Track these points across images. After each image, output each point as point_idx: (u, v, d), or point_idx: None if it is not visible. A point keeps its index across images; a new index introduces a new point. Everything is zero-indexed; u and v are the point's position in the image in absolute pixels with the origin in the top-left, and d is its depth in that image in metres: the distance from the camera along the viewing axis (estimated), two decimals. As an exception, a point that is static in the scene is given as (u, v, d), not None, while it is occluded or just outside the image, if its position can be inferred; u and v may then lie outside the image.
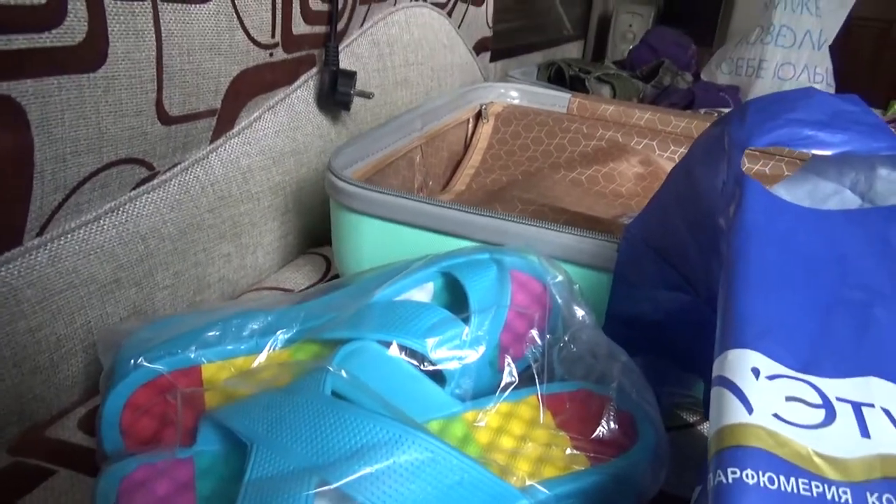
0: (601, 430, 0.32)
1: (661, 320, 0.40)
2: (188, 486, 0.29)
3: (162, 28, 0.42)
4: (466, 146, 0.78)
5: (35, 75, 0.34)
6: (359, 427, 0.27)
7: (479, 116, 0.79)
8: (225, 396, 0.31)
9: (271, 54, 0.54)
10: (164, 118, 0.44)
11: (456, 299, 0.38)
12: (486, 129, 0.78)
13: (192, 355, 0.32)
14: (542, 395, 0.34)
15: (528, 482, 0.29)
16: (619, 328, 0.42)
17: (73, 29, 0.36)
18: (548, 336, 0.37)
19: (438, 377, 0.34)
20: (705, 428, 0.42)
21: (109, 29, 0.38)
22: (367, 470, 0.26)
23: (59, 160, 0.37)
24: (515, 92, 0.83)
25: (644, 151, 0.73)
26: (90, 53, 0.37)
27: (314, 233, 0.64)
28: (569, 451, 0.31)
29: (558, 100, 0.81)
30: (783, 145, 0.32)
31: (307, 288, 0.55)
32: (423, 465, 0.26)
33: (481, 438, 0.32)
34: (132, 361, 0.31)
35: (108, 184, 0.41)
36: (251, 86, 0.53)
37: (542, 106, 0.82)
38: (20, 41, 0.33)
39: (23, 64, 0.33)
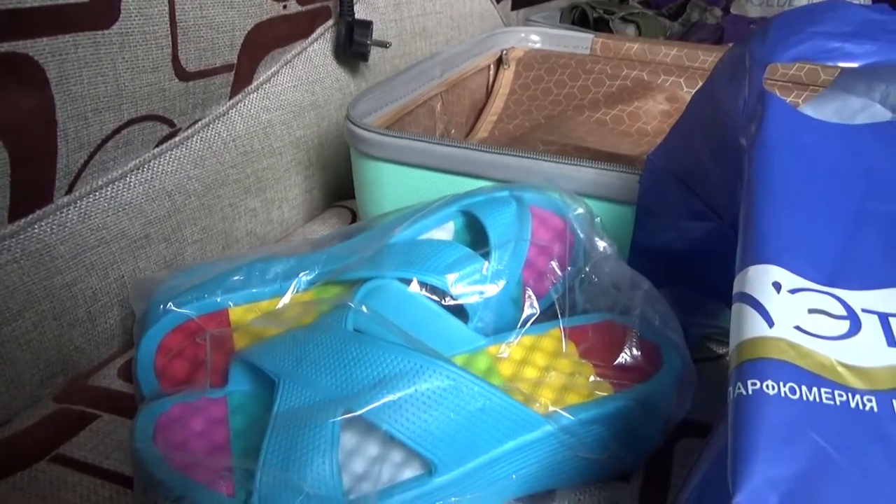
0: (624, 357, 0.32)
1: (687, 249, 0.40)
2: (222, 421, 0.30)
3: (172, -18, 0.42)
4: (488, 93, 0.77)
5: (50, 33, 0.34)
6: (380, 358, 0.27)
7: (499, 62, 0.78)
8: (253, 337, 0.32)
9: (285, 7, 0.54)
10: (182, 74, 0.44)
11: (476, 238, 0.38)
12: (507, 74, 0.77)
13: (219, 299, 0.33)
14: (564, 327, 0.34)
15: (551, 409, 0.29)
16: (644, 261, 0.41)
17: (85, -15, 0.36)
18: (569, 269, 0.37)
19: (461, 313, 0.34)
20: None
21: (120, -16, 0.38)
22: (389, 398, 0.26)
23: (81, 118, 0.38)
24: (536, 36, 0.81)
25: (671, 89, 0.71)
26: (103, 10, 0.37)
27: (338, 187, 0.65)
28: (592, 378, 0.32)
29: (581, 41, 0.79)
30: (808, 60, 0.31)
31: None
32: (445, 393, 0.27)
33: (504, 370, 0.32)
34: (162, 307, 0.32)
35: (131, 141, 0.42)
36: (267, 39, 0.53)
37: (565, 49, 0.80)
38: (33, -1, 0.33)
39: (37, 21, 0.34)
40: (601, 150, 0.55)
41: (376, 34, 0.68)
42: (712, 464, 0.23)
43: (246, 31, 0.50)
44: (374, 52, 0.67)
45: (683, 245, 0.39)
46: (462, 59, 0.70)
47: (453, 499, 0.27)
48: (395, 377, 0.27)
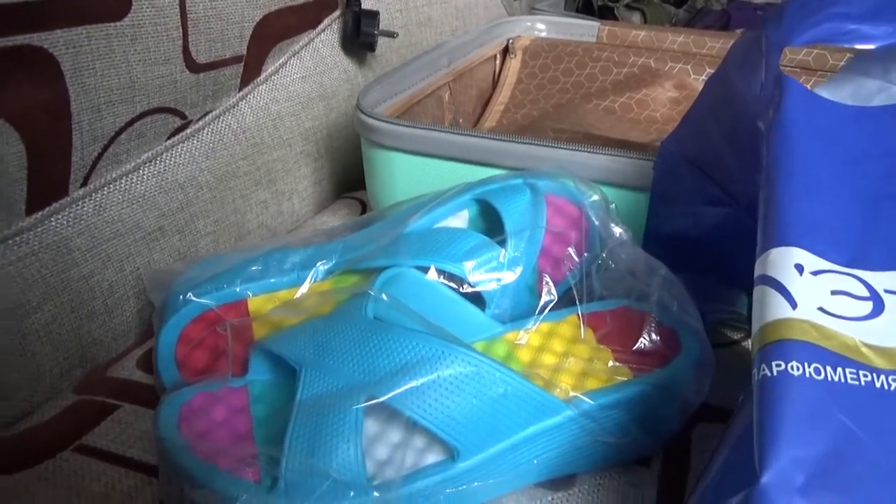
0: (643, 342, 0.32)
1: (702, 235, 0.40)
2: (244, 410, 0.30)
3: (182, -27, 0.42)
4: (495, 83, 0.77)
5: (63, 25, 0.34)
6: (402, 345, 0.27)
7: (506, 52, 0.78)
8: (272, 326, 0.32)
9: (293, -3, 0.54)
10: (193, 66, 0.44)
11: (491, 225, 0.38)
12: (514, 64, 0.77)
13: (238, 289, 0.33)
14: (582, 313, 0.34)
15: (571, 394, 0.29)
16: (659, 247, 0.41)
17: (97, -23, 0.36)
18: (585, 255, 0.37)
19: (478, 301, 0.34)
20: (749, 344, 0.41)
21: (132, -25, 0.38)
22: (411, 384, 0.26)
23: (95, 110, 0.38)
24: (542, 24, 0.80)
25: (678, 76, 0.71)
26: (114, 2, 0.37)
27: (348, 178, 0.65)
28: (611, 363, 0.32)
29: (587, 29, 0.79)
30: (824, 42, 0.31)
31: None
32: (467, 379, 0.27)
33: (523, 357, 0.33)
34: (181, 297, 0.32)
35: (143, 133, 0.42)
36: (275, 30, 0.53)
37: (571, 37, 0.79)
38: (46, -9, 0.33)
39: (50, 14, 0.34)
40: (611, 137, 0.55)
41: (382, 24, 0.68)
42: (733, 448, 0.23)
43: (255, 22, 0.50)
44: (381, 43, 0.67)
45: (698, 231, 0.39)
46: (469, 48, 0.69)
47: (476, 483, 0.27)
48: (416, 363, 0.27)
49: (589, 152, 0.40)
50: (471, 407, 0.27)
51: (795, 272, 0.24)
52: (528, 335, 0.33)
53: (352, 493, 0.25)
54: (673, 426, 0.32)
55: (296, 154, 0.57)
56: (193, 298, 0.32)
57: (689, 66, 0.72)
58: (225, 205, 0.50)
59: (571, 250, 0.38)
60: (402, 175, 0.48)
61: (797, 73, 0.67)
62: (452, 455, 0.27)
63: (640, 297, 0.34)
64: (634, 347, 0.32)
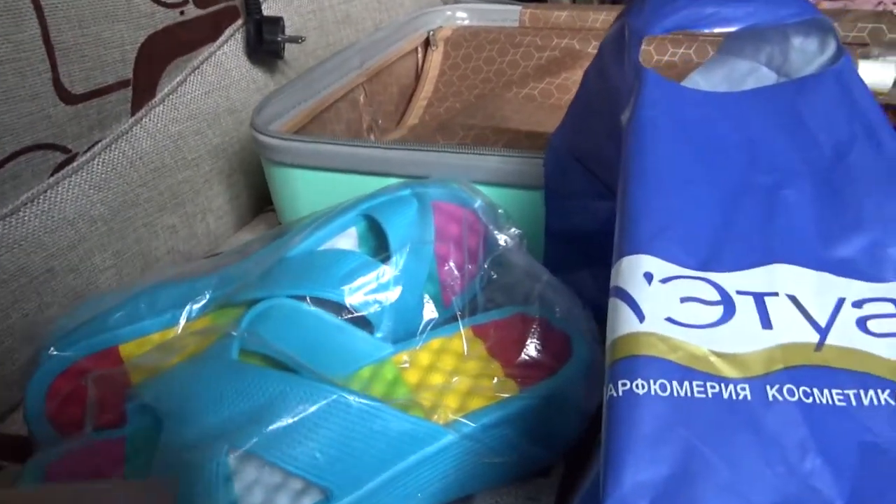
0: (529, 353, 0.31)
1: (599, 230, 0.39)
2: (118, 462, 0.29)
3: (42, 3, 0.40)
4: (417, 77, 0.75)
5: None
6: (258, 387, 0.26)
7: (427, 44, 0.76)
8: (147, 373, 0.31)
9: (182, 12, 0.52)
10: (67, 98, 0.42)
11: (382, 241, 0.37)
12: (435, 56, 0.75)
13: (106, 336, 0.32)
14: (471, 326, 0.33)
15: (451, 417, 0.28)
16: (560, 244, 0.40)
17: (-65, 18, 0.34)
18: (485, 263, 0.36)
19: (367, 323, 0.33)
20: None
21: (-23, 12, 0.36)
22: (270, 428, 0.25)
23: (-45, 158, 0.36)
24: (463, 13, 0.79)
25: (600, 55, 0.70)
26: (-39, 41, 0.35)
27: (268, 190, 0.63)
28: (497, 380, 0.31)
29: (509, 14, 0.78)
30: (685, 28, 0.30)
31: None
32: (329, 416, 0.26)
33: (410, 378, 0.32)
34: (46, 352, 0.31)
35: (18, 174, 0.40)
36: (166, 49, 0.51)
37: (494, 23, 0.78)
38: None
39: None
40: (523, 129, 0.54)
41: (293, 28, 0.66)
42: (596, 473, 0.22)
43: (138, 44, 0.48)
44: (294, 48, 0.65)
45: (595, 225, 0.38)
46: (384, 45, 0.68)
47: None
48: (273, 405, 0.26)
49: (479, 154, 0.39)
50: (338, 444, 0.26)
51: (644, 281, 0.23)
52: (416, 355, 0.32)
53: None
54: (569, 435, 0.31)
55: (205, 173, 0.55)
56: (55, 353, 0.31)
57: (611, 45, 0.71)
58: (125, 236, 0.48)
59: (468, 257, 0.37)
60: (305, 191, 0.46)
61: (679, 41, 0.66)
62: (327, 496, 0.26)
63: (526, 301, 0.33)
64: (519, 359, 0.31)
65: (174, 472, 0.25)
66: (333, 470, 0.26)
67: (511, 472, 0.31)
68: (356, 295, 0.32)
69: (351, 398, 0.26)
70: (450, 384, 0.31)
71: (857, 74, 0.28)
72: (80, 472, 0.28)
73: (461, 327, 0.34)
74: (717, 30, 0.29)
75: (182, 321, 0.32)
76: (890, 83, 0.43)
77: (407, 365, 0.32)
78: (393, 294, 0.33)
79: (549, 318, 0.33)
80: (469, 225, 0.37)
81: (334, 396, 0.26)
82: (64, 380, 0.31)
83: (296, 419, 0.26)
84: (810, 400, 0.21)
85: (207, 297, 0.32)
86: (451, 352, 0.33)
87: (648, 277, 0.23)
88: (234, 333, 0.28)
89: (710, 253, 0.24)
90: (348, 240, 0.37)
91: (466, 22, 0.78)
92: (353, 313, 0.32)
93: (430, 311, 0.33)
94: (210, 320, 0.33)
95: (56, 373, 0.31)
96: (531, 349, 0.31)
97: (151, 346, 0.32)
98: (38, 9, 0.39)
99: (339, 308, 0.32)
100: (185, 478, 0.25)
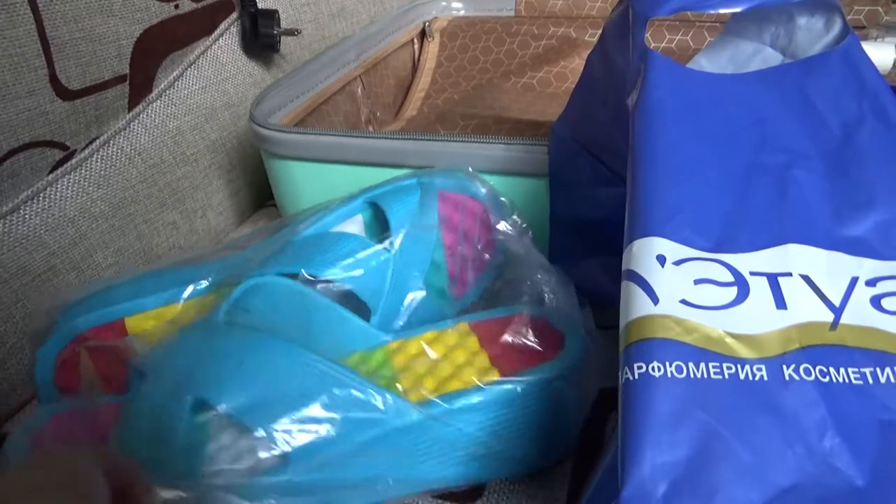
0: (514, 345, 0.31)
1: (605, 217, 0.38)
2: (107, 424, 0.29)
3: (37, -2, 0.39)
4: (414, 69, 0.75)
5: None
6: (234, 346, 0.26)
7: (423, 35, 0.76)
8: (150, 342, 0.31)
9: (177, 6, 0.51)
10: (64, 94, 0.42)
11: (386, 228, 0.37)
12: (432, 47, 0.75)
13: (112, 310, 0.32)
14: (468, 322, 0.33)
15: (425, 396, 0.28)
16: (565, 232, 0.40)
17: (-71, 14, 0.33)
18: (488, 257, 0.36)
19: (362, 308, 0.33)
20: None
21: (-29, 8, 0.35)
22: (238, 384, 0.25)
23: (-47, 156, 0.35)
24: (459, 3, 0.78)
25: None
26: (-43, 38, 0.35)
27: (267, 185, 0.62)
28: (481, 367, 0.30)
29: (505, 2, 0.77)
30: (688, 9, 0.29)
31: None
32: (296, 376, 0.26)
33: (398, 362, 0.31)
34: (55, 322, 0.31)
35: (17, 172, 0.40)
36: (161, 44, 0.50)
37: (489, 13, 0.77)
38: None
39: None
40: (523, 118, 0.54)
41: (288, 21, 0.65)
42: (612, 456, 0.22)
43: (134, 39, 0.47)
44: (290, 41, 0.65)
45: (600, 213, 0.38)
46: (380, 37, 0.67)
47: (325, 492, 0.26)
48: (245, 364, 0.26)
49: (482, 143, 0.39)
50: (301, 407, 0.26)
51: (657, 264, 0.23)
52: (408, 343, 0.32)
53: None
54: (561, 436, 0.31)
55: (203, 168, 0.55)
56: (65, 323, 0.31)
57: (608, 32, 0.70)
58: (126, 233, 0.48)
59: (478, 248, 0.36)
60: (305, 183, 0.46)
61: (676, 27, 0.66)
62: (285, 459, 0.26)
63: (532, 299, 0.33)
64: (508, 350, 0.31)
65: (144, 419, 0.26)
66: (293, 434, 0.26)
67: (498, 468, 0.30)
68: (350, 273, 0.32)
69: (323, 365, 0.26)
70: (433, 370, 0.30)
71: (865, 53, 0.28)
72: (69, 435, 0.28)
73: (458, 322, 0.33)
74: (722, 10, 0.29)
75: (184, 297, 0.32)
76: (890, 64, 0.43)
77: (397, 351, 0.31)
78: (388, 276, 0.32)
79: (547, 317, 0.32)
80: (477, 216, 0.37)
81: (303, 358, 0.26)
82: (72, 349, 0.31)
83: (264, 379, 0.26)
84: (827, 379, 0.21)
85: (210, 279, 0.33)
86: (443, 342, 0.33)
87: (661, 260, 0.23)
88: (223, 301, 0.28)
89: (723, 234, 0.24)
90: (354, 226, 0.37)
91: (462, 12, 0.78)
92: (349, 296, 0.32)
93: (428, 300, 0.33)
94: (211, 300, 0.33)
95: (65, 342, 0.31)
96: (521, 341, 0.31)
97: (156, 320, 0.32)
98: (33, 4, 0.39)
99: (340, 294, 0.32)
100: (152, 424, 0.25)
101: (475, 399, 0.28)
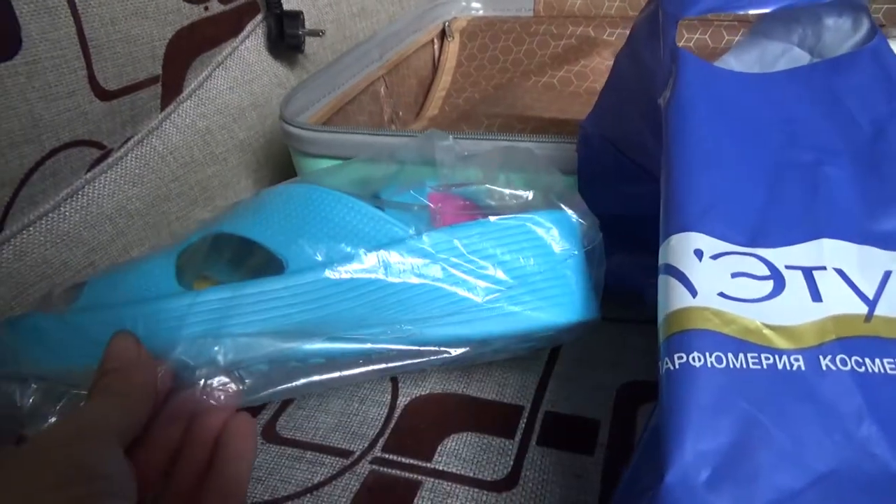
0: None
1: (634, 213, 0.39)
2: None
3: (76, 1, 0.40)
4: (435, 69, 0.76)
5: (-52, 73, 0.33)
6: None
7: (443, 35, 0.76)
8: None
9: (206, 8, 0.52)
10: (102, 94, 0.43)
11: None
12: (452, 47, 0.76)
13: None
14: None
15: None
16: (593, 229, 0.41)
17: (-22, 18, 0.35)
18: None
19: None
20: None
21: (17, 11, 0.36)
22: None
23: (-1, 156, 0.37)
24: (478, 3, 0.79)
25: (617, 42, 0.70)
26: (1, 40, 0.36)
27: (292, 184, 0.64)
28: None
29: (524, 2, 0.78)
30: (718, 10, 0.30)
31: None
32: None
33: None
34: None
35: (58, 171, 0.41)
36: (192, 45, 0.51)
37: (508, 13, 0.78)
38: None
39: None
40: (546, 116, 0.55)
41: (311, 22, 0.66)
42: (647, 444, 0.23)
43: (167, 40, 0.48)
44: (313, 41, 0.66)
45: (631, 210, 0.39)
46: (401, 37, 0.68)
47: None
48: None
49: (511, 140, 0.40)
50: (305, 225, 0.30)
51: (695, 258, 0.24)
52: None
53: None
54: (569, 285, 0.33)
55: (232, 167, 0.56)
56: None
57: (627, 32, 0.71)
58: (160, 230, 0.49)
59: None
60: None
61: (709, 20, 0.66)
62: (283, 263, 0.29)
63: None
64: None
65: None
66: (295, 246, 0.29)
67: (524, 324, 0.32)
68: None
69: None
70: None
71: (893, 52, 0.29)
72: None
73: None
74: (751, 11, 0.30)
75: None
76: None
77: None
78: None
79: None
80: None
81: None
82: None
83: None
84: (863, 369, 0.22)
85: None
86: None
87: (699, 254, 0.24)
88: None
89: (757, 229, 0.25)
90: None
91: (481, 12, 0.79)
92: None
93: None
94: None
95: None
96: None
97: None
98: (73, 7, 0.40)
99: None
100: None
101: (479, 228, 0.31)
